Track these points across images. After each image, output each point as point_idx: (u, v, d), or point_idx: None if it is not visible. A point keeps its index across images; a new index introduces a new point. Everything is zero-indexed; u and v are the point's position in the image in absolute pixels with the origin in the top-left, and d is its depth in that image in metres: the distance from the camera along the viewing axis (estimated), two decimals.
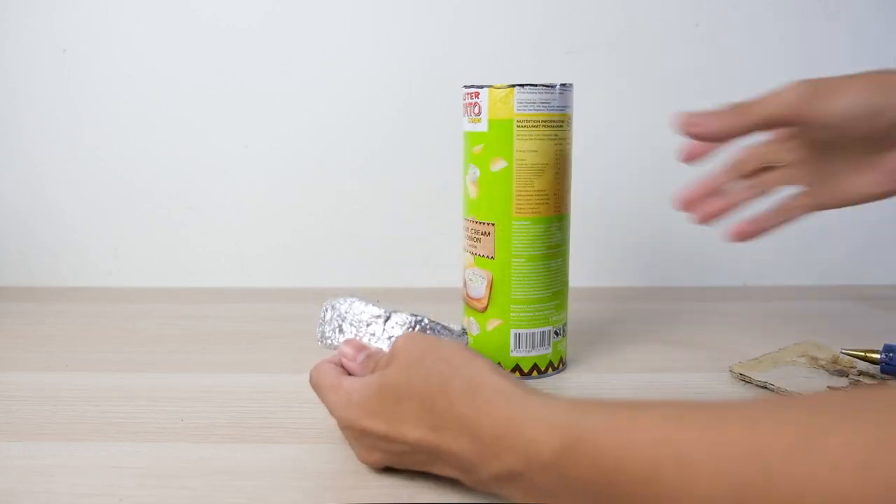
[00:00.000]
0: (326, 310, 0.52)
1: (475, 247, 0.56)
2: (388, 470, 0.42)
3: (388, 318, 0.50)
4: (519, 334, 0.55)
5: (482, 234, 0.55)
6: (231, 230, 0.87)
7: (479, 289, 0.56)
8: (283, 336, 0.68)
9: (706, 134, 0.46)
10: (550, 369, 0.57)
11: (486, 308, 0.56)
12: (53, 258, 0.87)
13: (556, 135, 0.54)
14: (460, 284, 0.59)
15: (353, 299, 0.51)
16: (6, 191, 0.86)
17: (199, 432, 0.47)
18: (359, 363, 0.44)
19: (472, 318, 0.57)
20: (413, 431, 0.37)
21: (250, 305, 0.79)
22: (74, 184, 0.86)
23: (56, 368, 0.59)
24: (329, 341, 0.51)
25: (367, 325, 0.49)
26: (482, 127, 0.53)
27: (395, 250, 0.87)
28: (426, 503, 0.39)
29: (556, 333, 0.57)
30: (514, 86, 0.52)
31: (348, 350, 0.46)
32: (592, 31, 0.83)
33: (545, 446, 0.32)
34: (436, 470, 0.39)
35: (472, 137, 0.55)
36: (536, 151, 0.53)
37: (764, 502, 0.25)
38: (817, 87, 0.45)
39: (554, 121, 0.53)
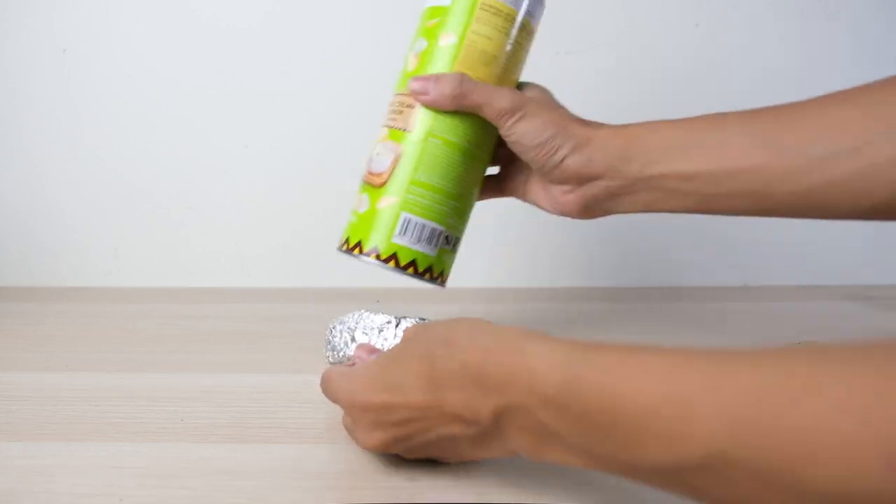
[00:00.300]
0: (333, 327, 0.52)
1: (395, 120, 0.52)
2: (387, 470, 0.42)
3: (398, 324, 0.50)
4: (409, 220, 0.50)
5: (407, 106, 0.51)
6: (231, 230, 0.87)
7: (383, 162, 0.51)
8: (283, 336, 0.68)
9: (425, 102, 0.50)
10: (428, 276, 0.52)
11: (384, 183, 0.51)
12: (53, 258, 0.87)
13: (515, 35, 0.51)
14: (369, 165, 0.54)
15: (361, 311, 0.51)
16: (6, 191, 0.86)
17: (199, 432, 0.47)
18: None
19: (364, 195, 0.52)
20: (414, 394, 0.38)
21: (250, 305, 0.79)
22: (74, 184, 0.86)
23: (56, 368, 0.59)
24: (342, 353, 0.51)
25: (380, 331, 0.50)
26: (445, 1, 0.51)
27: None
28: (426, 503, 0.39)
29: (447, 240, 0.52)
30: None
31: (362, 353, 0.47)
32: (592, 31, 0.83)
33: (548, 379, 0.32)
34: (437, 433, 0.38)
35: (430, 12, 0.52)
36: (491, 39, 0.51)
37: (762, 443, 0.25)
38: (520, 105, 0.49)
39: (517, 21, 0.51)
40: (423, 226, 0.51)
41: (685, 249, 0.87)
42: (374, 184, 0.51)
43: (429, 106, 0.50)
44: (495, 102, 0.49)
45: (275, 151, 0.86)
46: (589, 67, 0.84)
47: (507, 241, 0.87)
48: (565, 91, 0.86)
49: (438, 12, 0.51)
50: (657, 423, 0.28)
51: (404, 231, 0.50)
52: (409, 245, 0.51)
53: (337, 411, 0.50)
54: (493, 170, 0.57)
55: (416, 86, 0.50)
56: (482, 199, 0.57)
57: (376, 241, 0.51)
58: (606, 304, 0.79)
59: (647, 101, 0.84)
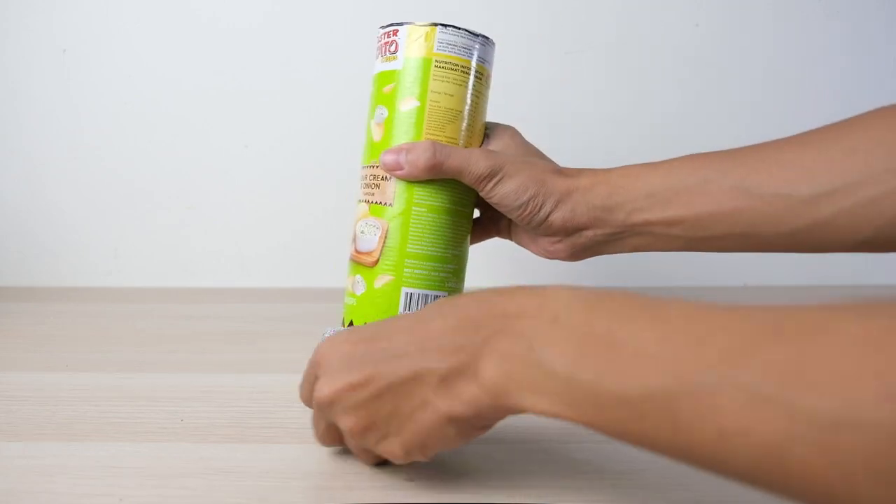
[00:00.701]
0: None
1: (372, 194, 0.50)
2: (387, 470, 0.42)
3: None
4: (410, 294, 0.50)
5: (382, 178, 0.50)
6: (231, 230, 0.87)
7: (370, 241, 0.50)
8: (283, 336, 0.68)
9: (400, 177, 0.49)
10: None
11: (376, 262, 0.50)
12: (53, 258, 0.87)
13: (473, 85, 0.50)
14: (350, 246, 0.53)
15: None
16: (6, 191, 0.86)
17: (199, 432, 0.47)
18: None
19: (357, 276, 0.51)
20: (398, 334, 0.36)
21: (250, 305, 0.79)
22: (74, 184, 0.86)
23: (56, 368, 0.59)
24: None
25: None
26: (397, 65, 0.50)
27: None
28: (426, 503, 0.39)
29: None
30: (436, 24, 0.50)
31: (389, 159, 0.48)
32: (592, 32, 0.83)
33: (560, 301, 0.31)
34: (406, 370, 0.35)
35: (383, 77, 0.51)
36: (452, 96, 0.49)
37: (763, 368, 0.25)
38: (497, 167, 0.48)
39: (473, 70, 0.50)
40: (426, 296, 0.50)
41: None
42: (366, 263, 0.50)
43: (404, 179, 0.49)
44: (472, 168, 0.48)
45: (275, 151, 0.86)
46: (589, 67, 0.84)
47: (506, 241, 0.87)
48: (565, 91, 0.86)
49: (392, 77, 0.50)
50: (660, 347, 0.28)
51: (408, 307, 0.50)
52: None
53: None
54: (476, 212, 0.56)
55: (388, 160, 0.49)
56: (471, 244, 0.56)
57: None
58: None
59: (648, 101, 0.85)
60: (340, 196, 0.87)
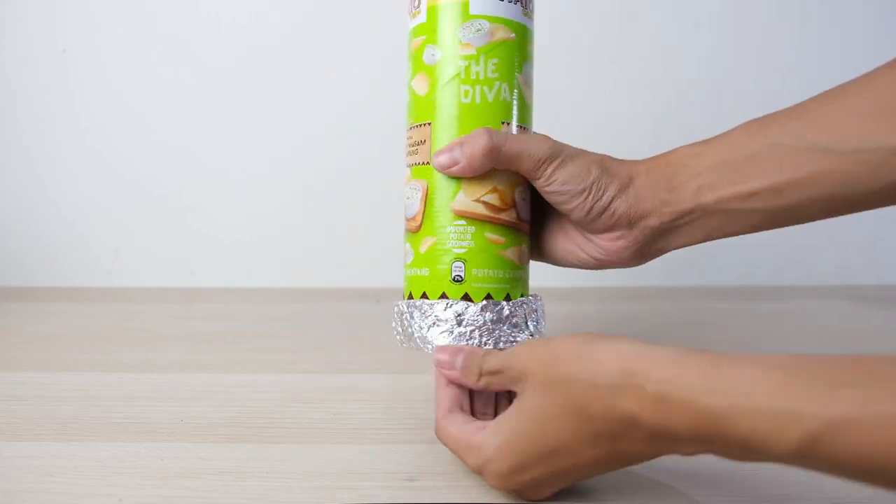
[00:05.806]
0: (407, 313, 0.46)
1: (414, 156, 0.46)
2: (387, 470, 0.42)
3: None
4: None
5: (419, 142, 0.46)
6: (231, 230, 0.87)
7: (413, 205, 0.46)
8: (283, 336, 0.68)
9: (458, 172, 0.44)
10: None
11: (419, 227, 0.45)
12: (53, 258, 0.87)
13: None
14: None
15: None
16: (6, 190, 0.86)
17: (199, 432, 0.47)
18: (459, 369, 0.41)
19: (407, 245, 0.47)
20: (586, 450, 0.35)
21: (250, 305, 0.79)
22: (74, 184, 0.86)
23: (56, 368, 0.59)
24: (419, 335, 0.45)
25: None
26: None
27: (396, 250, 0.87)
28: (424, 503, 0.39)
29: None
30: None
31: (443, 357, 0.42)
32: (592, 31, 0.83)
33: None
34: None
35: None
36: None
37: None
38: (559, 150, 0.44)
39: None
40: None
41: (684, 249, 0.87)
42: (411, 228, 0.46)
43: (461, 176, 0.44)
44: (532, 150, 0.43)
45: (275, 152, 0.86)
46: (589, 67, 0.84)
47: None
48: (565, 90, 0.86)
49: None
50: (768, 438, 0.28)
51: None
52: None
53: (336, 411, 0.51)
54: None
55: (442, 159, 0.44)
56: None
57: (429, 290, 0.45)
58: (606, 304, 0.79)
59: (648, 100, 0.85)
60: (340, 196, 0.87)
